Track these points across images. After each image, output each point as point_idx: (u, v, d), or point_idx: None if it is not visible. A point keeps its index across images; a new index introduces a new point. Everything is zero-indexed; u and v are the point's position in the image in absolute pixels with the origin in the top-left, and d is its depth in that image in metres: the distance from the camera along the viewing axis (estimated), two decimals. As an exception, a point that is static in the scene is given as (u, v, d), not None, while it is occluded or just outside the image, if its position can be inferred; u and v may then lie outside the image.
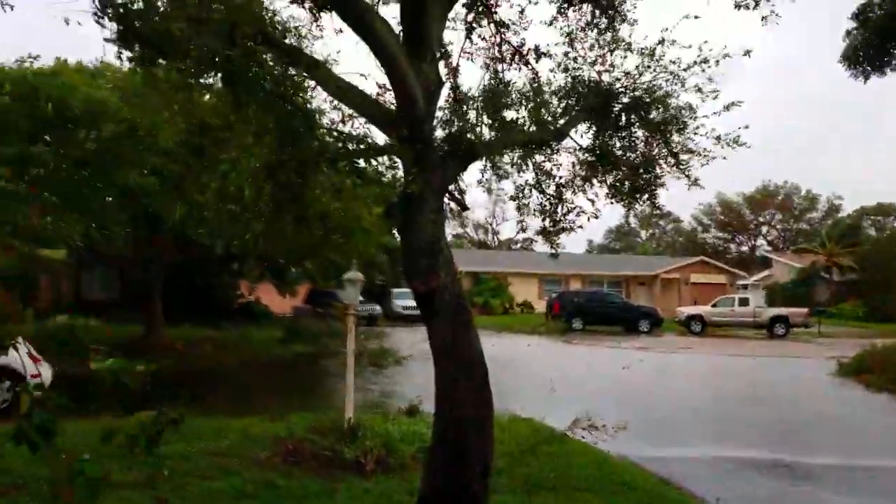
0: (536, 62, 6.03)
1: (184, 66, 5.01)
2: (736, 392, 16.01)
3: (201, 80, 5.34)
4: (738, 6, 5.78)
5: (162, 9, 4.77)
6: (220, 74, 5.07)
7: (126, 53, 5.11)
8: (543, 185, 6.13)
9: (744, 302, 34.42)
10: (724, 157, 5.92)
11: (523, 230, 6.55)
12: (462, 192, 5.88)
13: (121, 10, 4.36)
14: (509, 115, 5.71)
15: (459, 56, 5.96)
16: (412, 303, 29.47)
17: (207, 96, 6.72)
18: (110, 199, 16.52)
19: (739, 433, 11.35)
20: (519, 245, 64.96)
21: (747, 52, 5.53)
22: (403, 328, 30.13)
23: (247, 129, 5.48)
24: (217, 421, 9.13)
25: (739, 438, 10.81)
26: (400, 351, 20.15)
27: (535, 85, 6.03)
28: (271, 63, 5.02)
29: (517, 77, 6.10)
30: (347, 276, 8.42)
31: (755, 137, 5.79)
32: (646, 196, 6.09)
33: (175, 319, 22.66)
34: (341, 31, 5.53)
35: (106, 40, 4.48)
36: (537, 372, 17.85)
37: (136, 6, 4.45)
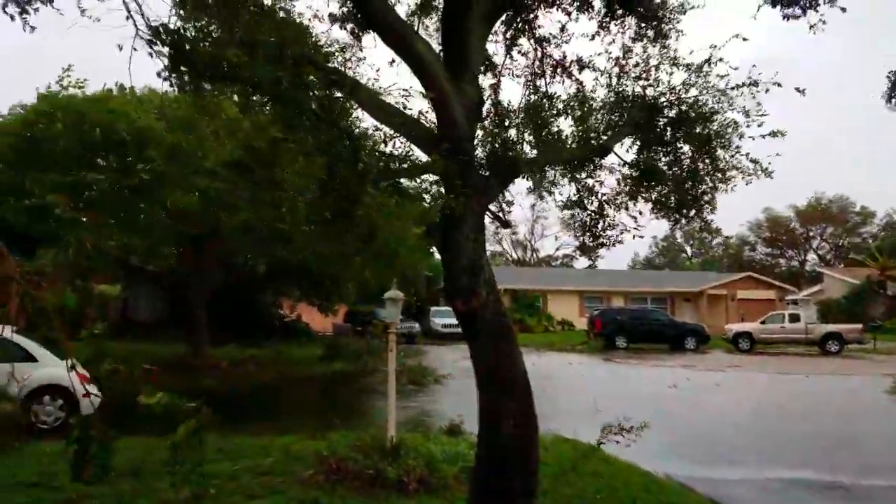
0: (580, 73, 6.01)
1: (234, 90, 5.16)
2: (788, 411, 15.44)
3: (250, 103, 5.49)
4: (786, 17, 5.65)
5: (213, 35, 4.92)
6: (268, 97, 5.20)
7: (173, 78, 5.26)
8: (586, 202, 6.06)
9: (794, 318, 33.24)
10: (770, 176, 5.77)
11: (579, 244, 6.44)
12: (505, 209, 5.87)
13: (174, 37, 4.50)
14: (552, 131, 5.68)
15: (500, 72, 5.97)
16: (451, 321, 29.36)
17: (255, 119, 6.86)
18: (157, 219, 16.99)
19: (792, 453, 10.90)
20: (559, 262, 64.45)
21: (801, 91, 5.41)
22: (442, 346, 30.06)
23: (295, 151, 5.57)
24: (260, 439, 9.22)
25: (792, 459, 10.39)
26: (439, 369, 20.09)
27: (581, 95, 5.99)
28: (317, 85, 5.11)
29: (560, 91, 6.09)
30: (388, 295, 8.43)
31: (806, 146, 5.67)
32: (693, 211, 5.96)
33: (219, 339, 23.09)
34: (393, 61, 5.61)
35: (159, 74, 4.62)
36: (580, 391, 17.57)
37: (188, 33, 4.59)
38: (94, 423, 3.51)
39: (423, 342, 33.15)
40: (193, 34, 4.86)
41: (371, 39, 6.27)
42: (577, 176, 6.06)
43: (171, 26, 5.07)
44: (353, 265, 20.03)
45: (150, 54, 4.87)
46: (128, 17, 4.73)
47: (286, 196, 6.27)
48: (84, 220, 14.50)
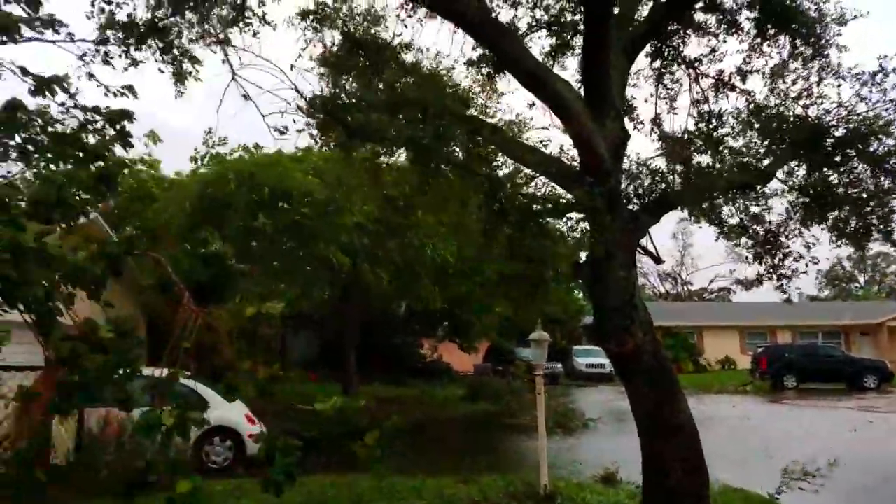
0: (743, 83, 5.67)
1: (379, 148, 5.43)
2: None
3: (392, 159, 5.76)
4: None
5: (360, 96, 5.24)
6: (411, 151, 5.42)
7: (326, 139, 5.66)
8: (751, 230, 5.62)
9: None
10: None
11: (758, 275, 5.95)
12: (656, 244, 5.59)
13: (328, 105, 4.86)
14: (704, 159, 5.38)
15: (656, 103, 5.80)
16: (595, 360, 28.29)
17: (396, 172, 7.16)
18: (312, 267, 18.19)
19: None
20: (713, 295, 60.36)
21: None
22: (587, 388, 29.05)
23: (434, 199, 5.72)
24: (412, 479, 9.31)
25: None
26: (586, 412, 19.35)
27: (739, 116, 5.63)
28: (457, 135, 5.24)
29: (722, 107, 5.76)
30: (534, 336, 8.29)
31: None
32: (880, 234, 5.33)
33: (366, 378, 23.96)
34: (533, 104, 5.66)
35: (312, 137, 5.01)
36: (747, 437, 16.11)
37: (340, 101, 4.96)
38: (277, 434, 3.77)
39: (567, 383, 32.25)
40: (343, 100, 5.21)
41: (507, 82, 6.36)
42: (740, 204, 5.65)
43: (323, 93, 5.48)
44: (493, 305, 20.15)
45: (307, 122, 5.29)
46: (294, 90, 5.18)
47: (426, 242, 6.47)
48: (250, 268, 15.83)
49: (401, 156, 6.20)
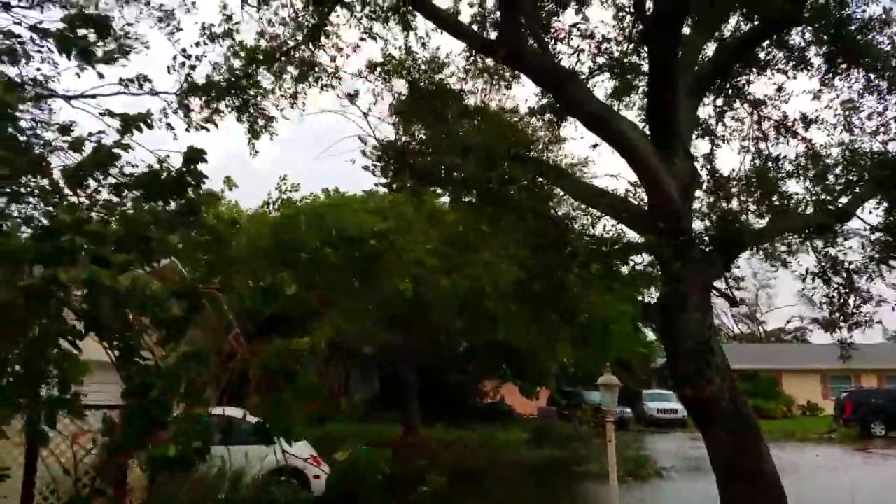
0: (806, 131, 5.52)
1: (447, 191, 5.55)
2: None
3: (460, 201, 5.86)
4: None
5: (427, 142, 5.40)
6: (477, 195, 5.52)
7: (395, 183, 5.82)
8: (829, 273, 5.39)
9: None
10: None
11: (825, 322, 5.73)
12: (732, 285, 5.42)
13: (400, 152, 5.04)
14: (779, 200, 5.22)
15: (714, 142, 5.72)
16: (667, 405, 27.18)
17: (462, 213, 7.25)
18: (374, 305, 18.48)
19: None
20: (791, 336, 57.35)
21: None
22: (658, 434, 27.92)
23: (499, 240, 5.77)
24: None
25: None
26: (658, 460, 18.57)
27: (810, 154, 5.48)
28: (522, 179, 5.30)
29: (783, 151, 5.63)
30: (603, 381, 8.07)
31: None
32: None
33: (427, 419, 23.79)
34: (596, 145, 5.70)
35: (387, 185, 5.18)
36: (835, 490, 15.07)
37: (408, 146, 5.14)
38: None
39: (637, 428, 31.09)
40: (413, 146, 5.39)
41: (571, 126, 6.40)
42: (816, 244, 5.44)
43: (392, 140, 5.67)
44: (557, 348, 19.83)
45: (377, 166, 5.47)
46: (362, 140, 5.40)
47: (488, 282, 6.53)
48: (315, 298, 16.24)
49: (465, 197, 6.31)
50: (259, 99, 6.39)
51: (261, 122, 6.46)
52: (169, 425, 2.95)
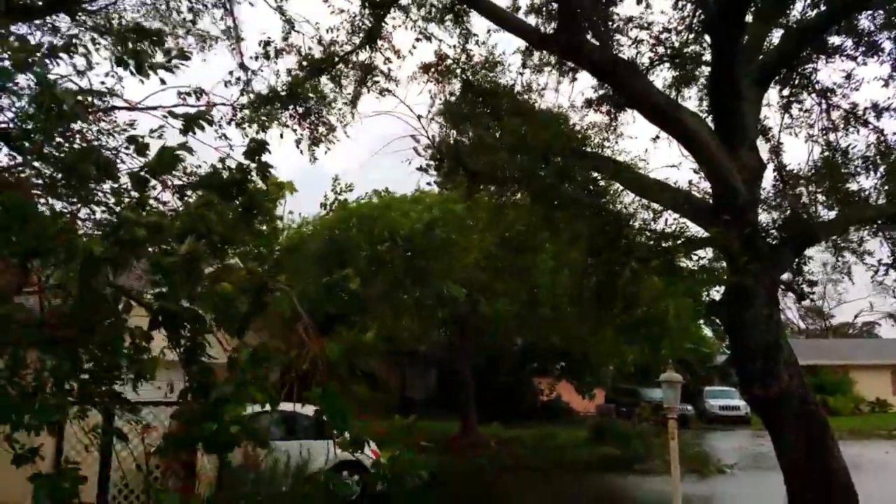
0: (878, 119, 5.27)
1: (501, 189, 5.55)
2: None
3: (515, 199, 5.85)
4: None
5: (483, 140, 5.41)
6: (530, 191, 5.49)
7: (449, 182, 5.86)
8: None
9: None
10: None
11: None
12: (800, 279, 5.24)
13: (455, 150, 5.06)
14: (851, 188, 5.02)
15: (780, 133, 5.53)
16: (729, 402, 26.42)
17: (516, 211, 7.22)
18: (429, 305, 18.57)
19: None
20: (858, 330, 54.80)
21: None
22: (720, 431, 27.15)
23: (557, 237, 5.73)
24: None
25: None
26: (721, 458, 18.08)
27: (883, 145, 5.24)
28: (579, 175, 5.25)
29: (855, 141, 5.40)
30: (665, 378, 7.92)
31: None
32: None
33: (484, 417, 23.78)
34: (657, 137, 5.59)
35: (440, 184, 5.22)
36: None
37: (463, 145, 5.16)
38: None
39: (699, 426, 30.31)
40: (467, 144, 5.41)
41: (630, 117, 6.30)
42: (888, 235, 5.20)
43: (445, 138, 5.71)
44: (613, 344, 19.53)
45: (432, 166, 5.51)
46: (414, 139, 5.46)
47: (542, 282, 6.47)
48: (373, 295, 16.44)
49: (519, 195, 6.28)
50: (321, 108, 6.54)
51: (321, 129, 6.61)
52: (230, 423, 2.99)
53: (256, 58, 6.71)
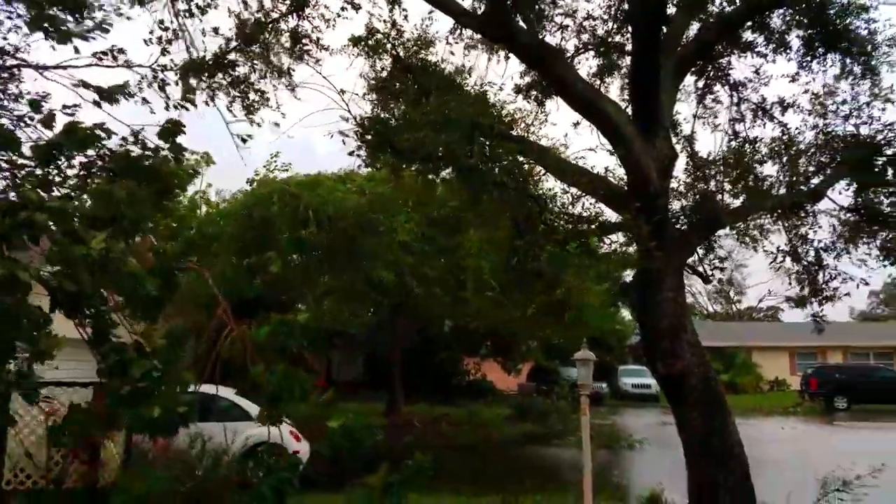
0: (782, 115, 5.62)
1: (426, 167, 5.55)
2: None
3: (439, 177, 5.86)
4: None
5: (408, 118, 5.39)
6: (458, 171, 5.53)
7: (373, 159, 5.81)
8: (800, 251, 5.54)
9: None
10: None
11: (797, 298, 5.89)
12: (706, 264, 5.54)
13: (378, 127, 5.02)
14: (756, 177, 5.33)
15: (694, 122, 5.80)
16: (641, 380, 27.65)
17: (442, 191, 7.22)
18: (357, 288, 18.40)
19: None
20: (762, 314, 58.46)
21: None
22: (632, 408, 28.47)
23: (481, 218, 5.80)
24: (457, 499, 9.31)
25: None
26: (631, 433, 18.98)
27: (786, 138, 5.59)
28: (504, 155, 5.33)
29: (761, 134, 5.74)
30: (579, 356, 8.21)
31: None
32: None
33: (411, 397, 23.98)
34: (578, 123, 5.73)
35: (364, 160, 5.17)
36: (801, 460, 15.51)
37: (389, 122, 5.11)
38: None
39: (612, 403, 31.66)
40: (393, 122, 5.37)
41: (554, 104, 6.41)
42: (787, 224, 5.58)
43: (371, 114, 5.64)
44: (536, 324, 20.04)
45: (358, 144, 5.44)
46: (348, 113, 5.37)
47: (468, 264, 6.55)
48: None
49: (447, 174, 6.29)
50: (250, 75, 6.27)
51: (252, 95, 6.34)
52: (153, 399, 2.90)
53: (178, 15, 6.38)
